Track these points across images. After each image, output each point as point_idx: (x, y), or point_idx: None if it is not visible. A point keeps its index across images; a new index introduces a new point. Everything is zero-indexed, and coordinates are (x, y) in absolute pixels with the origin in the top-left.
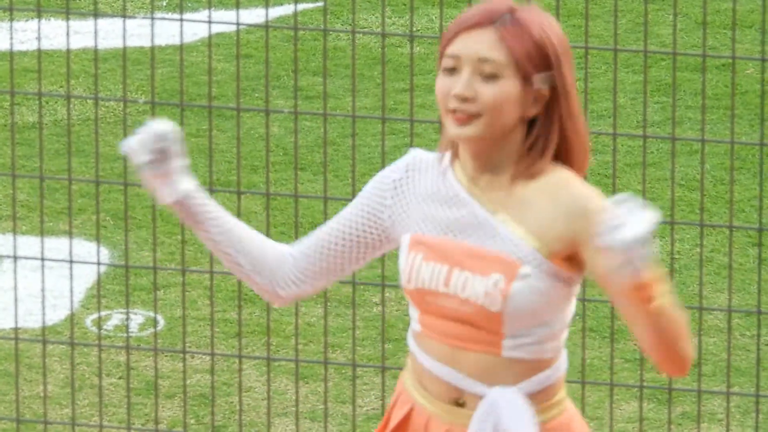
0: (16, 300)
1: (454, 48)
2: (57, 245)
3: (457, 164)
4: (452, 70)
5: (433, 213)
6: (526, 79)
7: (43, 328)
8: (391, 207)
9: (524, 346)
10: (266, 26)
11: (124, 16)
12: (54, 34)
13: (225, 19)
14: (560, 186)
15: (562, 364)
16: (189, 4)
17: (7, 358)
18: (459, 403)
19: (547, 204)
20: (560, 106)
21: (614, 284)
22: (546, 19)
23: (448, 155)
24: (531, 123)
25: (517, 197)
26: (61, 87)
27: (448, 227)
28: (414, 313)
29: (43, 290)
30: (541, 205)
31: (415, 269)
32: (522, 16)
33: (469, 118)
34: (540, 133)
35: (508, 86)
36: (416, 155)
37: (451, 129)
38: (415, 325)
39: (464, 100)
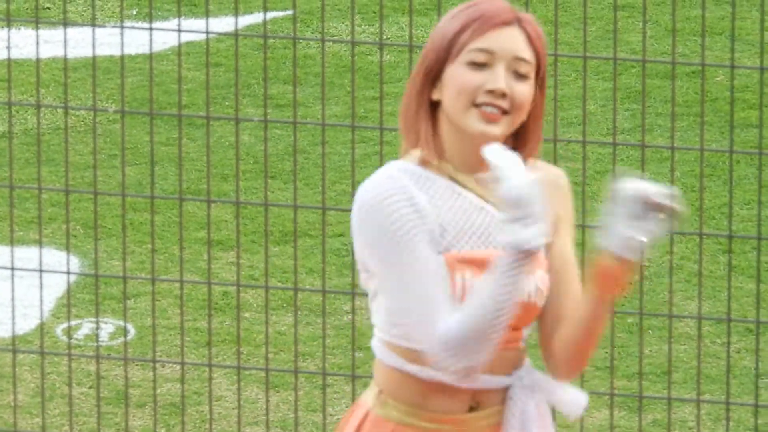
0: None
1: (486, 43)
2: (27, 254)
3: (444, 164)
4: (482, 65)
5: (458, 224)
6: (537, 83)
7: (13, 338)
8: (431, 230)
9: (526, 336)
10: (236, 35)
11: (93, 25)
12: (24, 43)
13: (195, 28)
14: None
15: None
16: (159, 13)
17: None
18: (473, 409)
19: None
20: (541, 106)
21: (600, 263)
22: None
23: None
24: None
25: None
26: (31, 96)
27: (479, 237)
28: None
29: (13, 299)
30: None
31: (468, 289)
32: (528, 18)
33: (499, 115)
34: (530, 129)
35: (531, 87)
36: (402, 168)
37: (477, 125)
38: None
39: (501, 95)
